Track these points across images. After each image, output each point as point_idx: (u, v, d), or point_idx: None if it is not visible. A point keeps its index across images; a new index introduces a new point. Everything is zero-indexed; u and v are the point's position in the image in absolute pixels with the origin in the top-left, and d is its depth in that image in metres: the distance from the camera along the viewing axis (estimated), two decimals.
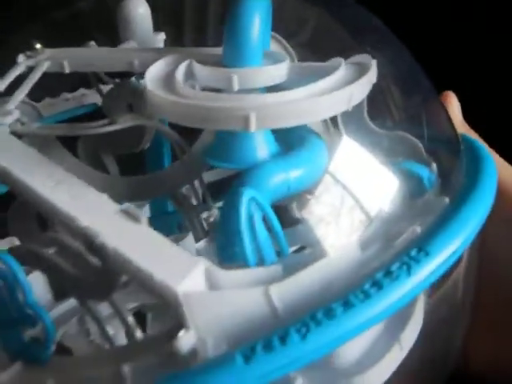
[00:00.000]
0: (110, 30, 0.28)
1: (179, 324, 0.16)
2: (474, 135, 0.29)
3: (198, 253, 0.25)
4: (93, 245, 0.17)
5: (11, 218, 0.26)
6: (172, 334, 0.15)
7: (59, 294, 0.23)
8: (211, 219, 0.27)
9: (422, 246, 0.16)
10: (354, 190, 0.20)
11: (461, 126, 0.29)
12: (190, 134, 0.26)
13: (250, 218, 0.19)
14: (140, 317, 0.24)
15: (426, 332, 0.21)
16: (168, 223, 0.30)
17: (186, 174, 0.26)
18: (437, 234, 0.17)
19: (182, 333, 0.15)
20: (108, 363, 0.16)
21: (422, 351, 0.21)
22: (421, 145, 0.24)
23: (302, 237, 0.25)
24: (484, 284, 0.27)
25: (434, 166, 0.22)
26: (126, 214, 0.18)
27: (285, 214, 0.25)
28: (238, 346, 0.15)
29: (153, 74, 0.21)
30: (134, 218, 0.18)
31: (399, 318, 0.22)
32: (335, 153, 0.22)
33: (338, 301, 0.15)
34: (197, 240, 0.26)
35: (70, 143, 0.27)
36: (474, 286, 0.25)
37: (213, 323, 0.15)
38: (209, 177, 0.29)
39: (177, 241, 0.25)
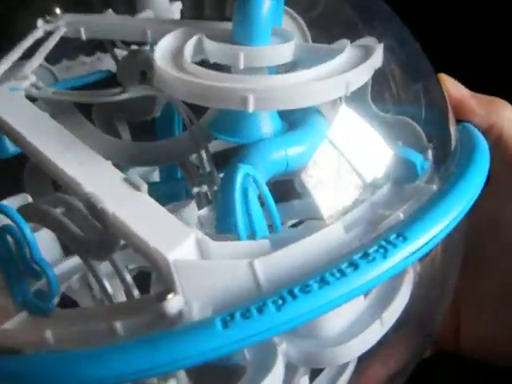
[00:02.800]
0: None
1: (169, 288, 0.17)
2: (485, 100, 0.28)
3: (200, 220, 0.26)
4: (95, 210, 0.18)
5: (27, 175, 0.28)
6: (162, 297, 0.17)
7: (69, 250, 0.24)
8: (215, 188, 0.28)
9: (401, 231, 0.17)
10: (349, 167, 0.21)
11: (469, 97, 0.28)
12: (200, 106, 0.27)
13: (244, 192, 0.20)
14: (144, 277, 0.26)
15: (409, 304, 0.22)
16: (177, 189, 0.31)
17: (193, 144, 0.27)
18: (417, 220, 0.18)
19: (170, 296, 0.17)
20: (103, 318, 0.18)
21: (403, 328, 0.22)
22: (421, 131, 0.24)
23: (299, 210, 0.26)
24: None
25: (430, 152, 0.23)
26: (128, 182, 0.19)
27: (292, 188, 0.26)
28: (222, 312, 0.16)
29: (162, 48, 0.22)
30: (135, 187, 0.19)
31: (384, 297, 0.23)
32: (335, 128, 0.23)
33: (315, 277, 0.16)
34: (200, 207, 0.27)
35: (85, 109, 0.28)
36: (458, 261, 0.26)
37: (199, 289, 0.17)
38: (214, 147, 0.30)
39: (180, 207, 0.26)
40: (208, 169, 0.28)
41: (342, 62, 0.21)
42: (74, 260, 0.24)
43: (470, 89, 0.28)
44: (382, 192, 0.20)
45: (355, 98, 0.24)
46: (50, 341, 0.18)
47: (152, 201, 0.19)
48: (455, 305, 0.31)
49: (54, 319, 0.19)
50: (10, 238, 0.20)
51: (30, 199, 0.26)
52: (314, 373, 0.26)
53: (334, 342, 0.21)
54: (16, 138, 0.20)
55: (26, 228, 0.19)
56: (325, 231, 0.18)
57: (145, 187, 0.19)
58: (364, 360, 0.27)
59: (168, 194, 0.31)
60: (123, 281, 0.21)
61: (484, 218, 0.29)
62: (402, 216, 0.18)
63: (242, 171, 0.20)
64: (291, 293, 0.16)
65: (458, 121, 0.26)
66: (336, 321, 0.21)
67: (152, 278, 0.27)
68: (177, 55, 0.21)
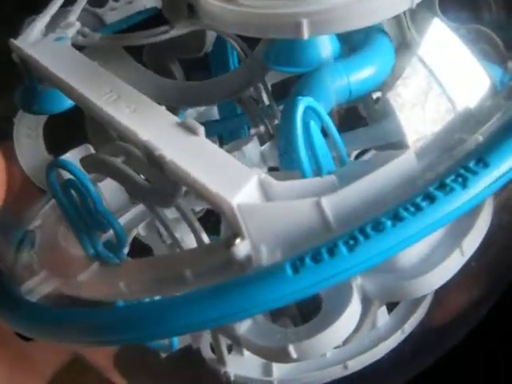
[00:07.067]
0: None
1: (235, 233, 0.16)
2: None
3: (263, 155, 0.25)
4: (152, 158, 0.18)
5: (88, 125, 0.27)
6: (230, 243, 0.16)
7: None
8: (276, 121, 0.27)
9: (481, 156, 0.15)
10: (429, 85, 0.20)
11: None
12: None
13: (306, 127, 0.19)
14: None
15: (488, 237, 0.21)
16: (238, 125, 0.30)
17: (249, 78, 0.26)
18: (499, 143, 0.16)
19: (238, 241, 0.16)
20: (172, 267, 0.17)
21: (485, 256, 0.21)
22: (498, 39, 0.22)
23: (365, 140, 0.24)
24: None
25: (510, 65, 0.20)
26: (184, 126, 0.18)
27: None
28: (291, 254, 0.15)
29: None
30: (192, 131, 0.18)
31: (462, 224, 0.21)
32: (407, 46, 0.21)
33: (388, 214, 0.15)
34: (262, 143, 0.26)
35: (135, 51, 0.27)
36: None
37: (267, 232, 0.16)
38: (271, 78, 0.29)
39: (242, 144, 0.25)
40: (267, 102, 0.27)
41: None
42: (141, 207, 0.24)
43: None
44: (457, 113, 0.18)
45: (422, 9, 0.22)
46: (124, 291, 0.18)
47: (210, 143, 0.18)
48: None
49: (125, 270, 0.19)
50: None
51: (92, 150, 0.26)
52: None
53: (412, 274, 0.20)
54: (67, 90, 0.20)
55: (88, 182, 0.19)
56: (395, 162, 0.16)
57: (202, 130, 0.18)
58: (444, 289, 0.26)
59: (229, 131, 0.31)
60: (191, 225, 0.21)
61: None
62: (481, 139, 0.17)
63: (302, 104, 0.18)
64: (363, 232, 0.15)
65: None
66: (413, 252, 0.20)
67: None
68: None
